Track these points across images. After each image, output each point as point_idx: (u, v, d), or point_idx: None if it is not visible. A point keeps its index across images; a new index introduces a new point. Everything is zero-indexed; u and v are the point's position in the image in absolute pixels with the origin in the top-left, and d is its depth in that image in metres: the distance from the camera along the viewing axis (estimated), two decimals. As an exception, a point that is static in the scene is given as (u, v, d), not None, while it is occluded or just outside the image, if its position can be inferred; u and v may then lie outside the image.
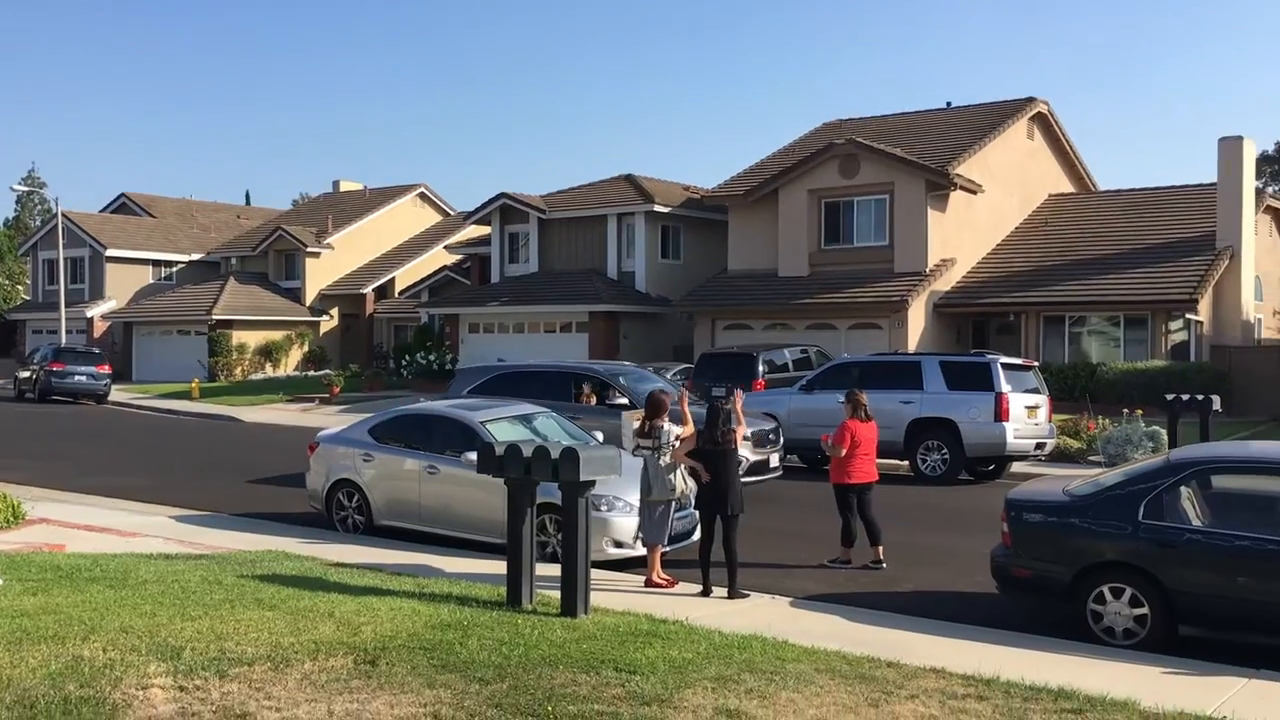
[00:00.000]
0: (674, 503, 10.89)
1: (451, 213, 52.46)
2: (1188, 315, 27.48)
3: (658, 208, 34.96)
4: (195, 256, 51.83)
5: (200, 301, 45.41)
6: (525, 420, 13.61)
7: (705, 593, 10.32)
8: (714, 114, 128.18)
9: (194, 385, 38.05)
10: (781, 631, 8.65)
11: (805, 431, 19.36)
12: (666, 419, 10.80)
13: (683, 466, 10.77)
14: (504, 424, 13.11)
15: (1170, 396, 19.79)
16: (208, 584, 9.66)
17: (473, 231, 43.44)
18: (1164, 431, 19.45)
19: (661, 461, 10.61)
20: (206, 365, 43.57)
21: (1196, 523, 8.85)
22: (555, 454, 9.11)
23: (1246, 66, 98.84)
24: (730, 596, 10.19)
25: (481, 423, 12.88)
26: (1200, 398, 19.50)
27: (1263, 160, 58.54)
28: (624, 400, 16.84)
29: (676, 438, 10.76)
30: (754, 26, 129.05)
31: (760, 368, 23.31)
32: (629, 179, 37.83)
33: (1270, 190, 39.42)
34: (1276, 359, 26.81)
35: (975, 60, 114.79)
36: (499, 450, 9.50)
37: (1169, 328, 27.89)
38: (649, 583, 10.68)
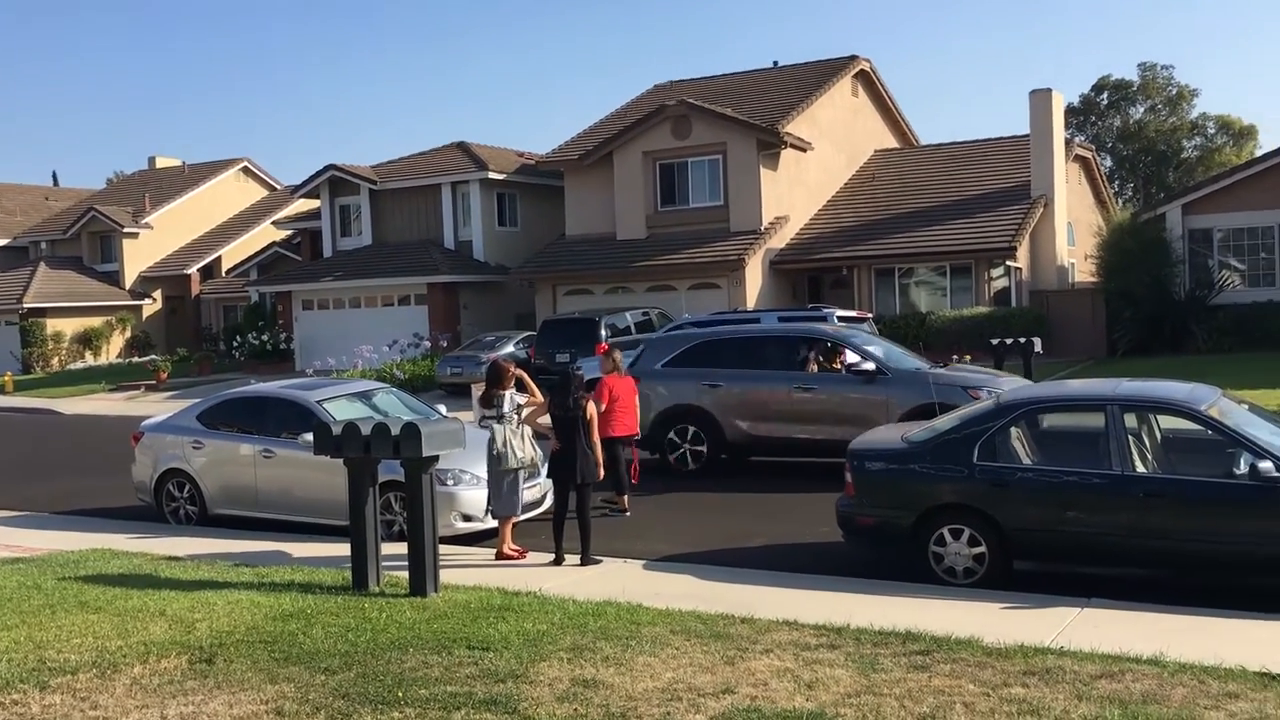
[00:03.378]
0: (523, 472, 10.74)
1: (278, 187, 50.62)
2: (1008, 262, 28.64)
3: (492, 175, 34.42)
4: (1, 242, 48.68)
5: (9, 289, 42.71)
6: (364, 397, 13.21)
7: (558, 561, 10.22)
8: (545, 79, 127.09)
9: (6, 378, 35.78)
10: (636, 595, 8.61)
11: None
12: (506, 387, 10.63)
13: (529, 434, 10.64)
14: (342, 402, 12.69)
15: (995, 341, 20.60)
16: (25, 589, 9.03)
17: (301, 205, 42.01)
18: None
19: (504, 431, 10.44)
20: (19, 356, 41.08)
21: (1027, 461, 9.17)
22: (396, 430, 8.82)
23: (1056, 20, 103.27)
24: (583, 564, 10.10)
25: (318, 402, 12.43)
26: (1023, 341, 20.35)
27: (1069, 112, 61.47)
28: (869, 365, 14.12)
29: (519, 406, 10.61)
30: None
31: (603, 332, 23.27)
32: (461, 146, 37.12)
33: (1078, 140, 41.31)
34: (1089, 301, 28.22)
35: (798, 17, 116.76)
36: (336, 430, 9.16)
37: (991, 275, 29.02)
38: (500, 555, 10.51)
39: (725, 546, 10.88)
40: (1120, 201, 54.83)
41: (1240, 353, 24.98)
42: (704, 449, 14.70)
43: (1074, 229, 33.09)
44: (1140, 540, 8.52)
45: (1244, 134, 60.20)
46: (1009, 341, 20.48)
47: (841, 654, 6.85)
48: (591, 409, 10.49)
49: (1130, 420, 9.04)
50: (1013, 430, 9.28)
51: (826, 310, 19.36)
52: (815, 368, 14.59)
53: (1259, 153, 43.81)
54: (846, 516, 9.73)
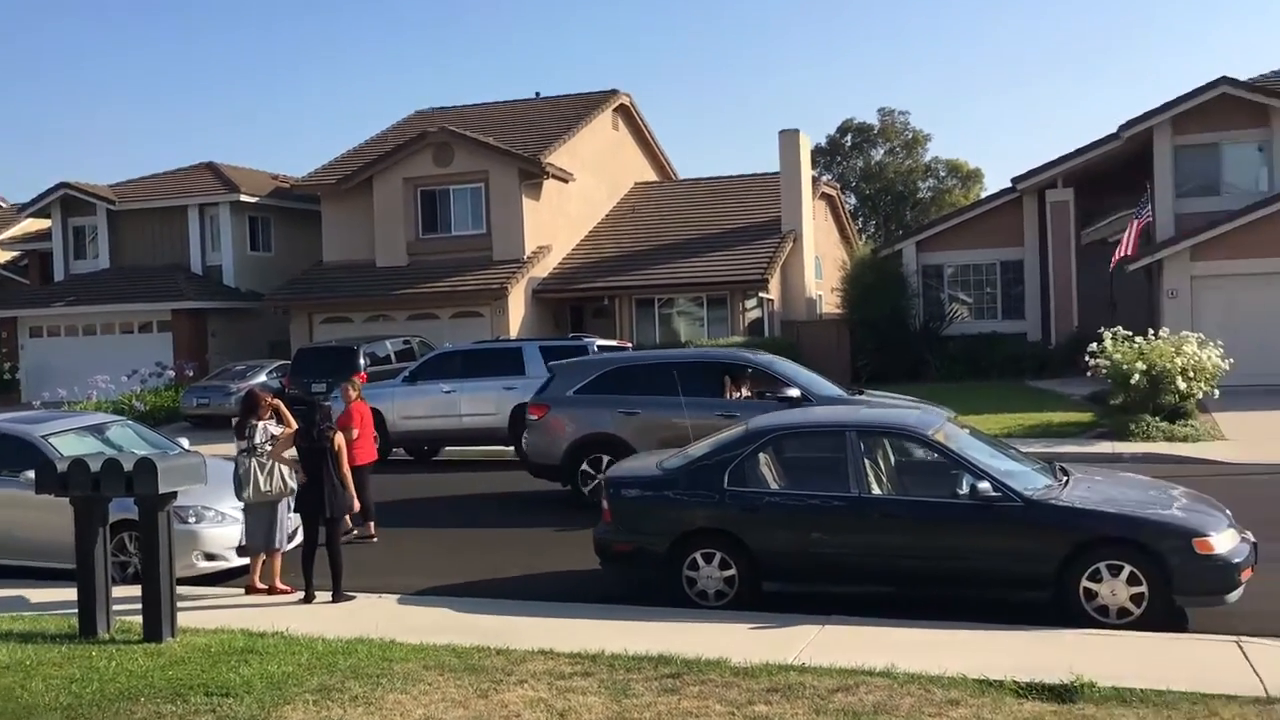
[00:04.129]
0: (283, 504, 10.34)
1: (3, 205, 46.91)
2: (761, 294, 29.84)
3: (244, 197, 33.11)
4: None
5: None
6: (96, 431, 12.38)
7: (308, 599, 9.86)
8: (301, 102, 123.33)
9: None
10: (389, 631, 8.41)
11: (411, 424, 19.18)
12: (262, 417, 10.24)
13: (282, 467, 10.26)
14: (70, 436, 11.84)
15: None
16: None
17: (30, 225, 39.06)
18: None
19: (250, 462, 10.04)
20: None
21: (774, 486, 9.54)
22: (129, 466, 8.32)
23: (799, 63, 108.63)
24: (335, 600, 9.79)
25: (43, 436, 11.55)
26: (774, 370, 21.16)
27: (817, 152, 64.82)
28: (793, 392, 13.66)
29: (274, 437, 10.23)
30: (335, 10, 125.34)
31: (362, 361, 22.71)
32: (210, 167, 35.56)
33: (825, 179, 43.62)
34: (835, 331, 29.74)
35: (561, 51, 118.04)
36: (61, 466, 8.54)
37: (745, 306, 30.15)
38: (273, 590, 10.14)
39: (482, 577, 10.79)
40: (864, 237, 58.20)
41: (968, 380, 26.89)
42: None
43: (821, 263, 34.85)
44: (878, 558, 9.01)
45: (971, 177, 65.08)
46: (761, 370, 21.26)
47: (595, 681, 6.91)
48: (340, 439, 10.21)
49: (867, 445, 9.56)
50: (761, 456, 9.64)
51: (587, 339, 19.54)
52: (735, 394, 14.24)
53: (984, 194, 47.40)
54: (603, 544, 9.84)
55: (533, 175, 29.98)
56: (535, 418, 14.72)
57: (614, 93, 35.75)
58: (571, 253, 32.30)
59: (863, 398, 14.44)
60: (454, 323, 29.41)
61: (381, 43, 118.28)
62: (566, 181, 31.50)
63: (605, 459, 13.70)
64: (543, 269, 30.61)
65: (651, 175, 38.54)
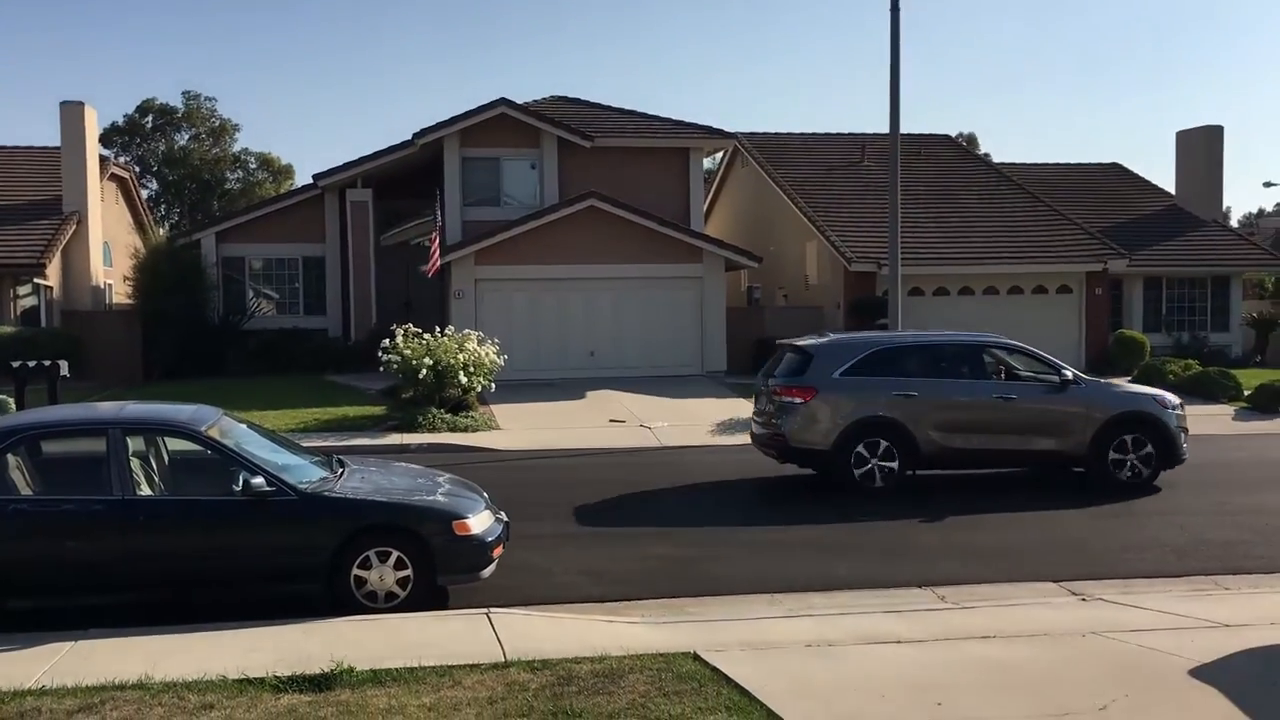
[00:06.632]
0: None
1: None
2: (37, 280, 26.86)
3: None
4: None
5: None
6: None
7: None
8: None
9: None
10: None
11: None
12: None
13: None
14: None
15: (17, 363, 19.09)
16: None
17: None
18: (12, 400, 18.73)
19: None
20: None
21: (24, 491, 8.57)
22: None
23: (99, 35, 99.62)
24: None
25: None
26: (48, 363, 19.16)
27: (115, 130, 60.12)
28: (1067, 374, 14.05)
29: None
30: None
31: None
32: None
33: (119, 160, 40.46)
34: (125, 324, 27.68)
35: None
36: None
37: (18, 292, 26.97)
38: None
39: None
40: (168, 225, 55.13)
41: (270, 375, 26.56)
42: (894, 464, 13.68)
43: (111, 249, 32.26)
44: (145, 564, 8.46)
45: (283, 172, 64.55)
46: (32, 364, 19.11)
47: None
48: None
49: (135, 443, 8.95)
50: (10, 458, 8.60)
51: None
52: (1003, 376, 14.43)
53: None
54: None
55: None
56: (800, 401, 13.93)
57: None
58: None
59: (1108, 382, 15.30)
60: None
61: None
62: None
63: (883, 443, 13.64)
64: None
65: (-101, 136, 32.88)
